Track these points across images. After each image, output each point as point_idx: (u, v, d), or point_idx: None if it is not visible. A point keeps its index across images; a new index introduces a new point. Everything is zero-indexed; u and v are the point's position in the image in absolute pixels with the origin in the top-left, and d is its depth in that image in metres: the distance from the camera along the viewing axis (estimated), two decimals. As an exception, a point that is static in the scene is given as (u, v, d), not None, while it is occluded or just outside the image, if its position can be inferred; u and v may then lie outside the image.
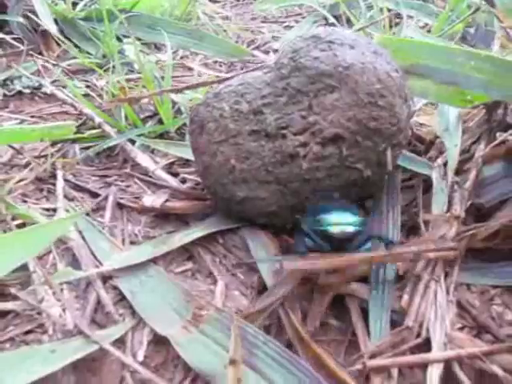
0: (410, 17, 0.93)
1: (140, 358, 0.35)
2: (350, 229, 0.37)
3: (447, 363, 0.32)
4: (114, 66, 0.68)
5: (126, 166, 0.57)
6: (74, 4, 0.96)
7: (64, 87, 0.72)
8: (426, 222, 0.42)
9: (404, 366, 0.32)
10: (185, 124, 0.61)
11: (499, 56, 0.45)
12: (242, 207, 0.43)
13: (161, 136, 0.61)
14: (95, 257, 0.42)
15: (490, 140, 0.46)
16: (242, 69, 0.85)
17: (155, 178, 0.53)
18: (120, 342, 0.36)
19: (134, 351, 0.35)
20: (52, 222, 0.38)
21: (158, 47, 0.94)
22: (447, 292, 0.38)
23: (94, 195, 0.51)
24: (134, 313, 0.38)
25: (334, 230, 0.37)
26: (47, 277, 0.39)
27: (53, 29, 0.86)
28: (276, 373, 0.32)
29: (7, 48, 0.86)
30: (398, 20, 0.94)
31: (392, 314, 0.36)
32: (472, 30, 0.83)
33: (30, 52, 0.84)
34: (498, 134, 0.44)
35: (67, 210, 0.48)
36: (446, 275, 0.39)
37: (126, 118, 0.62)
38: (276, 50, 0.93)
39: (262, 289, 0.39)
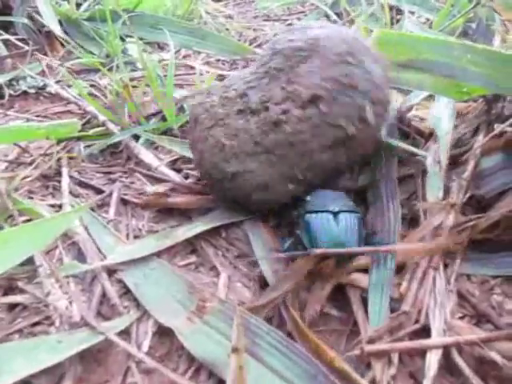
0: (412, 12, 0.93)
1: (145, 348, 0.36)
2: None
3: (446, 350, 0.33)
4: (117, 66, 0.69)
5: (130, 162, 0.57)
6: (78, 5, 0.97)
7: (69, 87, 0.73)
8: (424, 212, 0.43)
9: (402, 352, 0.33)
10: (187, 122, 0.61)
11: (496, 49, 0.45)
12: (234, 184, 0.44)
13: (164, 134, 0.61)
14: (100, 251, 0.43)
15: (489, 132, 0.46)
16: (244, 67, 0.85)
17: (159, 174, 0.53)
18: (125, 334, 0.37)
19: (139, 342, 0.36)
20: (57, 216, 0.39)
21: (161, 46, 0.94)
22: (448, 282, 0.38)
23: (99, 191, 0.52)
24: (138, 305, 0.39)
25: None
26: (54, 270, 0.40)
27: (57, 29, 0.87)
28: (277, 361, 0.33)
29: (12, 49, 0.87)
30: (399, 16, 0.94)
31: (392, 302, 0.36)
32: (473, 25, 0.83)
33: (35, 52, 0.85)
34: (495, 126, 0.45)
35: (72, 206, 0.48)
36: (447, 266, 0.40)
37: (130, 116, 0.63)
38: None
39: (264, 281, 0.40)
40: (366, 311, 0.36)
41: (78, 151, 0.59)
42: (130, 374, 0.34)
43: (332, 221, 0.40)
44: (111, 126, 0.60)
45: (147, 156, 0.56)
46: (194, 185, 0.51)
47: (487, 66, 0.42)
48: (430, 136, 0.47)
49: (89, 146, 0.60)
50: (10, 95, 0.75)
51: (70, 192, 0.51)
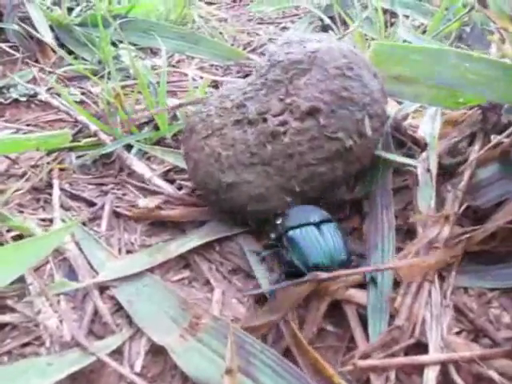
0: (406, 16, 0.93)
1: (137, 368, 0.35)
2: None
3: (443, 367, 0.32)
4: (109, 72, 0.68)
5: (122, 173, 0.57)
6: (70, 10, 0.96)
7: (58, 95, 0.72)
8: (420, 223, 0.42)
9: (397, 367, 0.32)
10: (181, 131, 0.61)
11: (494, 58, 0.45)
12: (230, 194, 0.44)
13: (157, 143, 0.61)
14: (92, 267, 0.42)
15: (485, 142, 0.46)
16: (238, 72, 0.84)
17: (151, 185, 0.53)
18: (117, 353, 0.36)
19: (132, 362, 0.35)
20: (48, 234, 0.38)
21: (154, 52, 0.94)
22: (444, 296, 0.38)
23: (91, 204, 0.51)
24: (131, 322, 0.38)
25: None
26: (44, 288, 0.39)
27: (48, 36, 0.87)
28: (272, 381, 0.32)
29: (3, 56, 0.86)
30: (393, 20, 0.94)
31: (390, 319, 0.36)
32: (468, 29, 0.82)
33: (26, 60, 0.84)
34: (492, 137, 0.44)
35: (63, 220, 0.48)
36: (443, 279, 0.39)
37: (122, 124, 0.62)
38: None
39: (259, 297, 0.39)
40: (363, 327, 0.36)
41: (70, 162, 0.58)
42: (122, 395, 0.33)
43: (317, 233, 0.39)
44: (103, 136, 0.60)
45: (139, 167, 0.55)
46: (187, 196, 0.51)
47: (486, 75, 0.42)
48: (426, 145, 0.47)
49: (80, 157, 0.59)
50: (1, 103, 0.74)
51: (62, 205, 0.50)
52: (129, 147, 0.59)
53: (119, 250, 0.45)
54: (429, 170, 0.45)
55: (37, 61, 0.87)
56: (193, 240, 0.44)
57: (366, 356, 0.33)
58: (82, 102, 0.70)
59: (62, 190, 0.53)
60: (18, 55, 0.85)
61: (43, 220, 0.48)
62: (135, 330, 0.38)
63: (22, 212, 0.49)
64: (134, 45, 0.87)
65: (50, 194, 0.52)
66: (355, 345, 0.35)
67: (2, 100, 0.74)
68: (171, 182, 0.54)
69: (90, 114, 0.63)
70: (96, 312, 0.39)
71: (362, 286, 0.38)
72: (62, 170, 0.57)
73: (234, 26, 1.15)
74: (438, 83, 0.45)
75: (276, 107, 0.43)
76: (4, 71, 0.80)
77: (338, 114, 0.42)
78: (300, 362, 0.34)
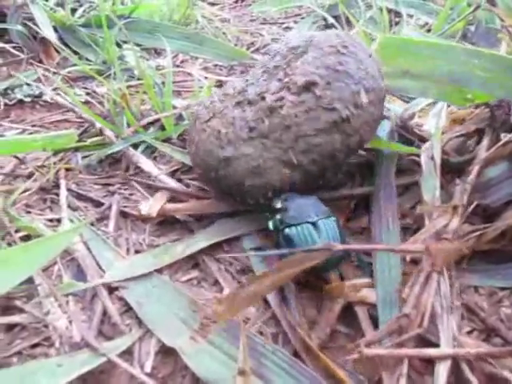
0: (410, 16, 0.93)
1: (148, 369, 0.35)
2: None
3: (454, 363, 0.32)
4: (114, 73, 0.68)
5: (129, 173, 0.56)
6: (73, 10, 0.96)
7: (65, 94, 0.72)
8: (428, 217, 0.42)
9: (404, 357, 0.32)
10: (186, 131, 0.60)
11: (504, 54, 0.45)
12: (228, 170, 0.44)
13: (163, 143, 0.60)
14: (100, 267, 0.42)
15: (494, 140, 0.46)
16: (242, 72, 0.84)
17: (158, 183, 0.52)
18: (127, 354, 0.36)
19: (142, 362, 0.35)
20: (56, 235, 0.38)
21: (159, 52, 0.93)
22: (453, 295, 0.37)
23: (98, 204, 0.51)
24: (140, 323, 0.38)
25: None
26: (53, 289, 0.39)
27: (52, 36, 0.86)
28: (285, 382, 0.32)
29: (8, 57, 0.86)
30: (397, 19, 0.94)
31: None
32: (472, 28, 0.82)
33: (31, 60, 0.83)
34: (502, 135, 0.44)
35: (71, 220, 0.48)
36: (451, 277, 0.39)
37: (128, 125, 0.62)
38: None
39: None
40: (375, 328, 0.36)
41: (76, 162, 0.58)
42: (133, 396, 0.33)
43: (313, 231, 0.39)
44: (109, 134, 0.59)
45: (147, 164, 0.55)
46: (195, 192, 0.51)
47: (495, 72, 0.42)
48: (430, 136, 0.47)
49: (87, 157, 0.59)
50: (6, 104, 0.74)
51: (69, 205, 0.50)
52: (135, 147, 0.59)
53: (127, 251, 0.45)
54: (432, 158, 0.44)
55: (40, 61, 0.87)
56: (201, 240, 0.44)
57: (372, 344, 0.33)
58: (87, 103, 0.70)
59: (68, 190, 0.52)
60: (22, 56, 0.84)
61: (51, 220, 0.48)
62: (145, 331, 0.37)
63: (29, 212, 0.49)
64: (138, 45, 0.87)
65: (57, 195, 0.52)
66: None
67: (7, 101, 0.74)
68: (178, 180, 0.54)
69: (96, 114, 0.63)
70: (105, 313, 0.39)
71: (373, 286, 0.38)
72: (68, 170, 0.56)
73: (237, 26, 1.15)
74: (446, 79, 0.45)
75: (274, 87, 0.44)
76: (8, 72, 0.79)
77: (334, 86, 0.42)
78: (310, 366, 0.33)
